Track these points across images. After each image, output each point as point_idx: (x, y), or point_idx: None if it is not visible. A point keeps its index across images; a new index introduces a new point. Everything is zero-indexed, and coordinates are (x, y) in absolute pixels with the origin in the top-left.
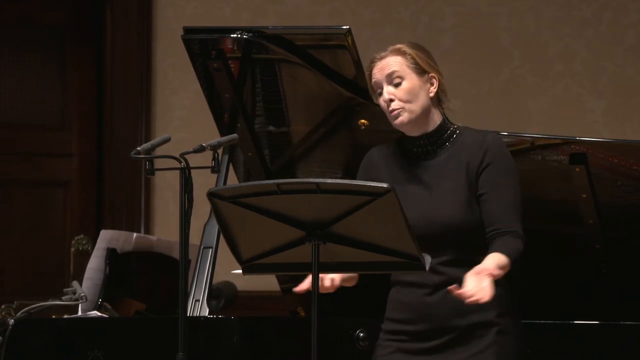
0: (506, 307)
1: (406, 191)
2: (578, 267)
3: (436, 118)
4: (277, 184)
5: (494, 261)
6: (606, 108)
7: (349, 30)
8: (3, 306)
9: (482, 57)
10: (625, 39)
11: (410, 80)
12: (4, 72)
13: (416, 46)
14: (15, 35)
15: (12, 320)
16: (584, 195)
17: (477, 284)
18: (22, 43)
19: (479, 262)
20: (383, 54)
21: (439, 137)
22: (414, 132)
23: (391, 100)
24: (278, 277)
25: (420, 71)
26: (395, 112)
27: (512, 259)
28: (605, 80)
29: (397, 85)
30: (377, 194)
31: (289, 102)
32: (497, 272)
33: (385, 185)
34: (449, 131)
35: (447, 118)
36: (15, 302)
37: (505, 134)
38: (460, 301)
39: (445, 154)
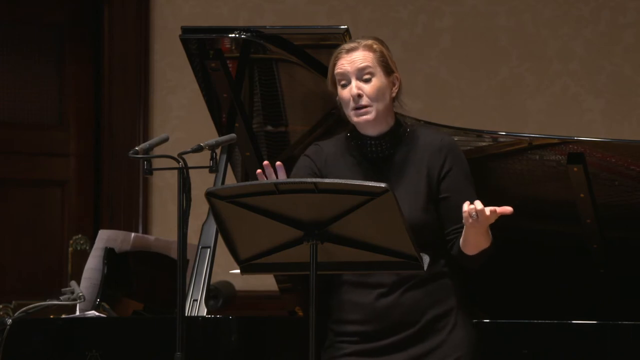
0: (460, 301)
1: None
2: (576, 266)
3: (390, 118)
4: (275, 184)
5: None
6: (604, 107)
7: (347, 30)
8: (1, 306)
9: (480, 56)
10: (623, 38)
11: (379, 79)
12: (2, 71)
13: (383, 43)
14: (13, 34)
15: (10, 320)
16: (582, 195)
17: (487, 214)
18: (20, 42)
19: (433, 259)
20: (353, 45)
21: (394, 137)
22: (372, 131)
23: (359, 96)
24: (276, 277)
25: (388, 70)
26: (363, 109)
27: (490, 246)
28: (603, 79)
29: (366, 81)
30: (374, 193)
31: (286, 102)
32: (488, 232)
33: (383, 185)
34: (401, 130)
35: (397, 116)
36: (13, 302)
37: (503, 133)
38: (417, 298)
39: (400, 154)
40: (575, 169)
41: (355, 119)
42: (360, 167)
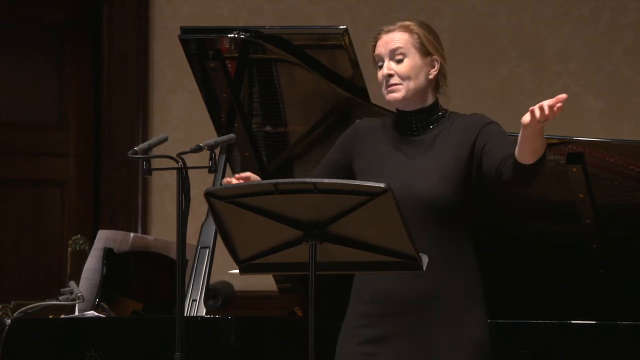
0: (477, 297)
1: (388, 161)
2: (575, 266)
3: (430, 99)
4: (275, 184)
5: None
6: (604, 107)
7: (346, 30)
8: (0, 306)
9: (480, 56)
10: (623, 38)
11: (413, 59)
12: (2, 71)
13: (425, 26)
14: (13, 34)
15: (9, 320)
16: (581, 195)
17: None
18: (20, 42)
19: (450, 242)
20: (391, 27)
21: (429, 116)
22: (406, 108)
23: (390, 76)
24: (275, 277)
25: (425, 52)
26: (392, 87)
27: (544, 154)
28: (602, 79)
29: (399, 61)
30: (373, 193)
31: (286, 102)
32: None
33: (382, 185)
34: (439, 113)
35: (439, 102)
36: (13, 302)
37: None
38: (428, 283)
39: (433, 133)
40: (574, 169)
41: (386, 97)
42: (386, 141)
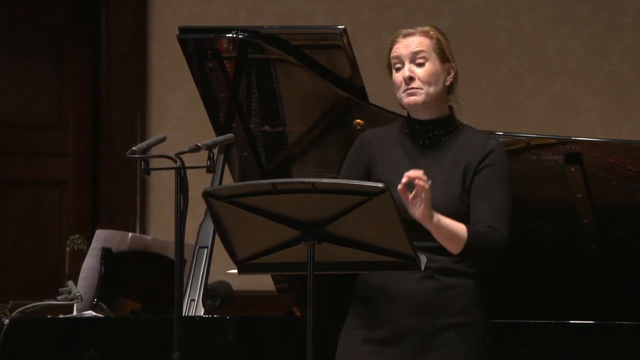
0: (482, 299)
1: (401, 174)
2: (574, 267)
3: (444, 108)
4: (273, 184)
5: (446, 219)
6: (603, 107)
7: (344, 30)
8: None
9: (478, 56)
10: (622, 38)
11: (433, 64)
12: (2, 71)
13: (442, 33)
14: (13, 34)
15: (8, 320)
16: (580, 195)
17: (420, 190)
18: (20, 42)
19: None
20: (410, 31)
21: (444, 127)
22: (422, 116)
23: (410, 79)
24: (273, 277)
25: (444, 58)
26: (413, 90)
27: (470, 240)
28: (601, 79)
29: (419, 65)
30: (372, 193)
31: (284, 102)
32: (439, 221)
33: (380, 185)
34: (453, 124)
35: (454, 112)
36: (11, 302)
37: (501, 133)
38: (432, 288)
39: (445, 146)
40: (572, 169)
41: (405, 100)
42: (398, 151)
